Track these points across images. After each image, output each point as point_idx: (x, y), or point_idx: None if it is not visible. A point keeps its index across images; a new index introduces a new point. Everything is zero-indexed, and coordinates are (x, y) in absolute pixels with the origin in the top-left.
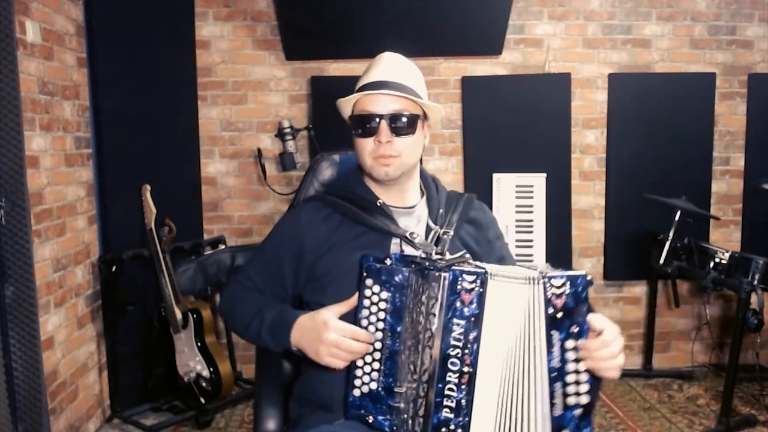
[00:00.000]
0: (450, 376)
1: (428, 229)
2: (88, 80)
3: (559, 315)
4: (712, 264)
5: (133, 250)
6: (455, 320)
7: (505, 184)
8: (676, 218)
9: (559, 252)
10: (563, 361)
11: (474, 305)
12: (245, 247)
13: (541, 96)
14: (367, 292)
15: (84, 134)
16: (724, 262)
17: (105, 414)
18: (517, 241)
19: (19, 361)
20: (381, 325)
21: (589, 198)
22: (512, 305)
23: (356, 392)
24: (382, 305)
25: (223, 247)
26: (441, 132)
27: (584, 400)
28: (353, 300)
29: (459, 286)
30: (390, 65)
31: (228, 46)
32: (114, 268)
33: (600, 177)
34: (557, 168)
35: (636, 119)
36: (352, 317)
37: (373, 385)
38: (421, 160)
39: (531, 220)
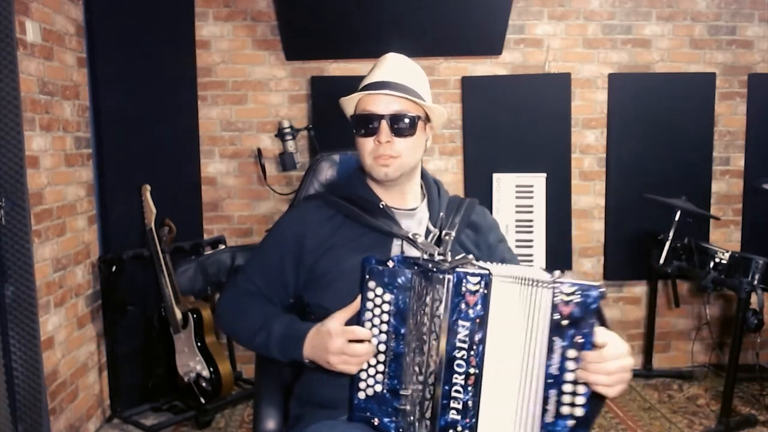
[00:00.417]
0: (456, 378)
1: (428, 232)
2: (88, 80)
3: (565, 322)
4: (712, 264)
5: (133, 250)
6: (460, 322)
7: (505, 184)
8: (676, 218)
9: (559, 252)
10: (562, 369)
11: (479, 307)
12: (245, 247)
13: (541, 96)
14: (370, 295)
15: (84, 134)
16: (724, 262)
17: (105, 414)
18: (517, 241)
19: (19, 361)
20: (385, 327)
21: (589, 198)
22: (516, 306)
23: (361, 395)
24: (386, 307)
25: (223, 247)
26: (441, 132)
27: (578, 412)
28: (356, 304)
29: (463, 288)
30: (393, 66)
31: (228, 46)
32: (114, 268)
33: (600, 177)
34: (557, 168)
35: (636, 119)
36: (355, 321)
37: (378, 388)
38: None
39: (531, 220)
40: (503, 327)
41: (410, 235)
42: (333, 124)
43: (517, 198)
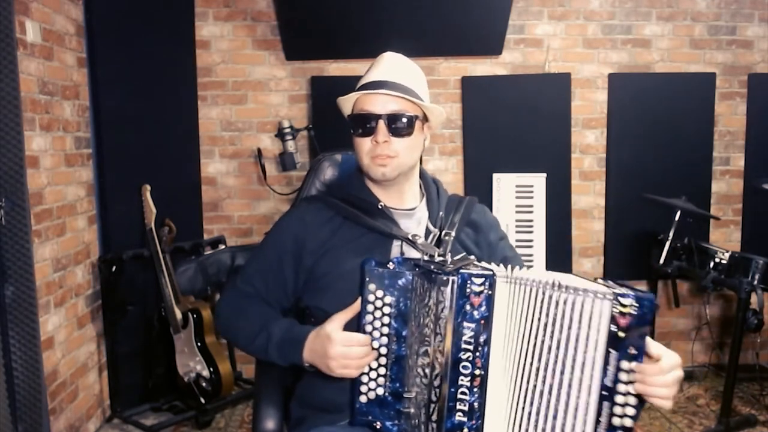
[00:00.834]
0: (462, 380)
1: (428, 232)
2: (88, 80)
3: (621, 334)
4: (712, 264)
5: (133, 250)
6: (465, 323)
7: (505, 184)
8: (676, 218)
9: (559, 252)
10: (616, 381)
11: (483, 308)
12: (245, 247)
13: (541, 96)
14: (370, 297)
15: (84, 134)
16: (724, 262)
17: (105, 414)
18: (517, 241)
19: (19, 361)
20: (386, 329)
21: (589, 198)
22: (521, 307)
23: (362, 398)
24: (387, 310)
25: (223, 247)
26: (441, 132)
27: (628, 423)
28: (356, 305)
29: (468, 290)
30: (391, 65)
31: (228, 46)
32: (114, 268)
33: (600, 177)
34: (557, 168)
35: (636, 119)
36: (355, 323)
37: (380, 391)
38: (421, 161)
39: (531, 220)
40: (508, 327)
41: (410, 236)
42: (333, 124)
43: (517, 198)
